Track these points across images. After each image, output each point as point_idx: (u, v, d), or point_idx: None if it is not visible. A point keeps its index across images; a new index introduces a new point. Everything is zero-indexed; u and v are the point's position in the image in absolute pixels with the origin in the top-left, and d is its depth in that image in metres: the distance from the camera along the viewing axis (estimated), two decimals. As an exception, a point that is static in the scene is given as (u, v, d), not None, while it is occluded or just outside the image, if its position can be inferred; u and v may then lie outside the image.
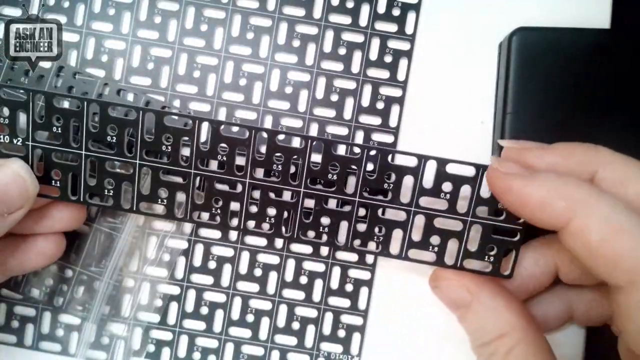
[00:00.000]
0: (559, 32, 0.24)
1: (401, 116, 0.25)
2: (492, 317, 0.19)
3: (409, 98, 0.25)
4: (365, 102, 0.25)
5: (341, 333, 0.25)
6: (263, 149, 0.21)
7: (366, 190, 0.21)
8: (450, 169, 0.20)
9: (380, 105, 0.25)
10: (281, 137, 0.21)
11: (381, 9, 0.25)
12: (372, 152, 0.21)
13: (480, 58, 0.25)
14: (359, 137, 0.25)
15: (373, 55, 0.25)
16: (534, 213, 0.18)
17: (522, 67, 0.24)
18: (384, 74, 0.25)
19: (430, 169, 0.20)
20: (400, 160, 0.21)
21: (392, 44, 0.25)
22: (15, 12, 0.25)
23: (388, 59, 0.25)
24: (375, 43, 0.25)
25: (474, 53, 0.25)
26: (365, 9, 0.25)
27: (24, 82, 0.25)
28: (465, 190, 0.21)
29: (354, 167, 0.21)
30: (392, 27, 0.25)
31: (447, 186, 0.21)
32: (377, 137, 0.25)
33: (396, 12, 0.25)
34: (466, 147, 0.25)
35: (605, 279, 0.17)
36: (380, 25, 0.25)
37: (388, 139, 0.25)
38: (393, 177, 0.21)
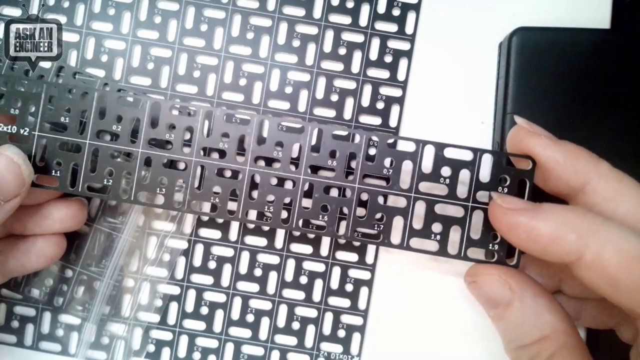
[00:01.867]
0: (559, 32, 0.24)
1: (401, 116, 0.25)
2: (534, 318, 0.18)
3: (409, 98, 0.25)
4: (365, 102, 0.25)
5: (341, 333, 0.25)
6: (264, 137, 0.21)
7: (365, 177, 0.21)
8: (449, 153, 0.20)
9: (380, 105, 0.25)
10: (283, 123, 0.21)
11: (381, 9, 0.25)
12: (374, 138, 0.21)
13: (480, 58, 0.25)
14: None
15: (373, 55, 0.25)
16: (546, 248, 0.18)
17: (522, 67, 0.24)
18: (384, 74, 0.25)
19: (429, 154, 0.20)
20: (399, 146, 0.21)
21: (392, 44, 0.25)
22: (15, 12, 0.25)
23: (388, 59, 0.25)
24: (375, 43, 0.25)
25: (474, 53, 0.25)
26: (365, 9, 0.25)
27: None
28: (465, 175, 0.21)
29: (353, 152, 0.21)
30: (392, 27, 0.25)
31: (446, 171, 0.21)
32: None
33: (396, 12, 0.25)
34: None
35: (627, 308, 0.17)
36: (380, 25, 0.25)
37: (388, 139, 0.25)
38: (392, 162, 0.21)
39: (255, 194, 0.21)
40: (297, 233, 0.21)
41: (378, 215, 0.21)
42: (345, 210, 0.21)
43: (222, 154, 0.21)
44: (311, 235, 0.25)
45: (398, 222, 0.21)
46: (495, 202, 0.19)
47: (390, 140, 0.21)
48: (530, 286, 0.19)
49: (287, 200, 0.21)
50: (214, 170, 0.21)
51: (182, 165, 0.22)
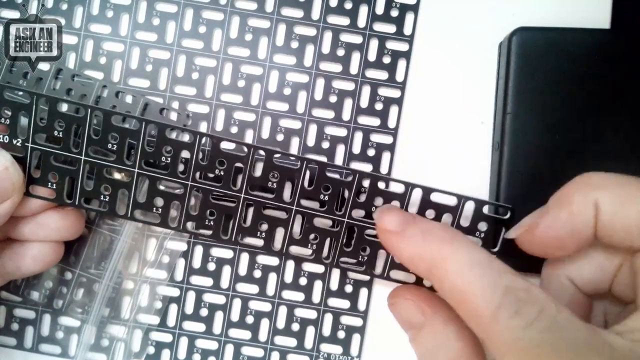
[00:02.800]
0: (559, 32, 0.24)
1: (400, 117, 0.25)
2: (443, 344, 0.19)
3: (407, 99, 0.25)
4: (364, 103, 0.25)
5: (341, 334, 0.25)
6: (260, 167, 0.21)
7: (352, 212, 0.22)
8: (434, 197, 0.21)
9: (379, 106, 0.25)
10: (277, 156, 0.21)
11: (379, 9, 0.25)
12: (365, 181, 0.21)
13: (480, 58, 0.25)
14: (358, 138, 0.25)
15: (371, 56, 0.25)
16: (408, 266, 0.19)
17: (522, 67, 0.24)
18: (383, 75, 0.25)
19: (416, 195, 0.21)
20: (389, 185, 0.21)
21: (391, 44, 0.25)
22: (15, 15, 0.25)
23: (387, 59, 0.25)
24: (374, 44, 0.25)
25: (474, 53, 0.25)
26: (363, 10, 0.25)
27: (23, 84, 0.25)
28: (447, 218, 0.21)
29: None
30: (390, 28, 0.25)
31: (430, 213, 0.21)
32: (375, 138, 0.25)
33: (394, 13, 0.25)
34: (466, 147, 0.25)
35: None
36: (379, 26, 0.25)
37: (387, 140, 0.25)
38: (381, 201, 0.21)
39: (248, 219, 0.22)
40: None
41: (364, 247, 0.22)
42: (333, 240, 0.22)
43: (218, 179, 0.21)
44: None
45: (382, 254, 0.22)
46: (377, 222, 0.20)
47: (381, 182, 0.21)
48: (442, 312, 0.19)
49: (279, 231, 0.22)
50: (209, 195, 0.21)
51: (178, 186, 0.22)
